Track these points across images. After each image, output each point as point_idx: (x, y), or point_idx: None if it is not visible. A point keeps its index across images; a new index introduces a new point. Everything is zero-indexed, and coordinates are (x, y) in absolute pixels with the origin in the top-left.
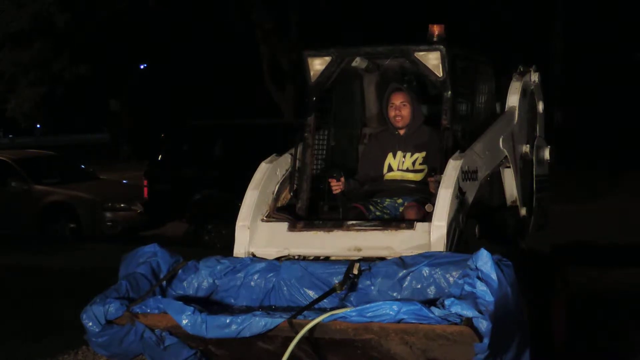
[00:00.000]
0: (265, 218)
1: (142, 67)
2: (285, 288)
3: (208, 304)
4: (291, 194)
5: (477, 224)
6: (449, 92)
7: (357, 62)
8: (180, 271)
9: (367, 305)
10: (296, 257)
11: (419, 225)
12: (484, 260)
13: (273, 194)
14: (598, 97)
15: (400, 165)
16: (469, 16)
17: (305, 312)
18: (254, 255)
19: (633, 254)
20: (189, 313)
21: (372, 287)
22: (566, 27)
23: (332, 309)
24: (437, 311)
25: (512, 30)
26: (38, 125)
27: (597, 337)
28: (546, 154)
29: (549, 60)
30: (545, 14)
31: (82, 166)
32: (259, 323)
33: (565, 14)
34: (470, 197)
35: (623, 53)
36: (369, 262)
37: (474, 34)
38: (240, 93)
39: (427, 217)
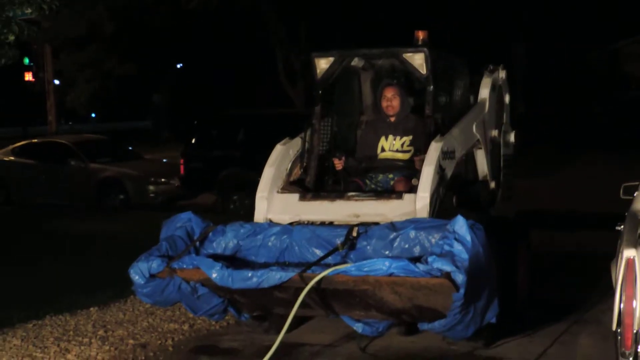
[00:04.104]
0: (280, 190)
1: (179, 66)
2: (296, 248)
3: (233, 261)
4: (301, 170)
5: (454, 195)
6: (431, 87)
7: (356, 62)
8: (210, 234)
9: (364, 262)
10: (306, 222)
11: (407, 196)
12: (460, 224)
13: (286, 170)
14: (554, 90)
15: (391, 147)
16: (448, 22)
17: (313, 267)
18: (271, 221)
19: (584, 219)
20: (218, 268)
21: (368, 247)
22: (528, 33)
23: (335, 264)
24: (421, 266)
25: (483, 35)
26: (93, 115)
27: (553, 289)
28: (512, 137)
29: (514, 61)
30: (511, 25)
31: (130, 148)
32: (275, 276)
33: (528, 24)
34: (448, 173)
35: (575, 53)
36: (366, 226)
37: (452, 37)
38: (252, 89)
39: (413, 190)
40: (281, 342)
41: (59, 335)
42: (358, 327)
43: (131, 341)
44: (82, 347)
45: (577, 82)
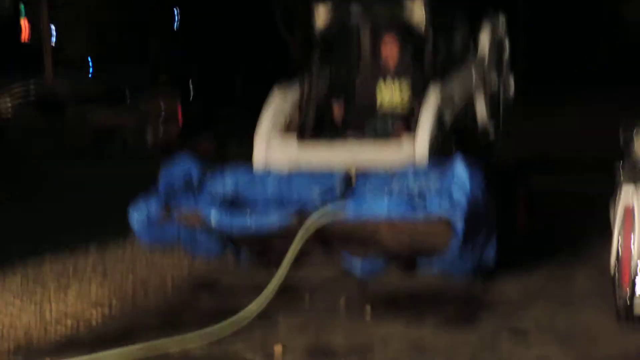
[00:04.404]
0: (278, 134)
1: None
2: (295, 192)
3: (232, 205)
4: (301, 115)
5: (453, 139)
6: (430, 34)
7: (355, 9)
8: (208, 178)
9: (364, 202)
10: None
11: (406, 141)
12: (459, 167)
13: (285, 115)
14: (553, 36)
15: (391, 96)
16: None
17: (311, 210)
18: (269, 165)
19: (585, 162)
20: (216, 211)
21: (367, 190)
22: None
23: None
24: (420, 210)
25: None
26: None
27: (553, 229)
28: (511, 82)
29: (514, 6)
30: None
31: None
32: (274, 220)
33: None
34: (448, 118)
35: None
36: (365, 171)
37: None
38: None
39: (412, 134)
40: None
41: (58, 272)
42: (357, 267)
43: (131, 277)
44: (82, 284)
45: (578, 26)
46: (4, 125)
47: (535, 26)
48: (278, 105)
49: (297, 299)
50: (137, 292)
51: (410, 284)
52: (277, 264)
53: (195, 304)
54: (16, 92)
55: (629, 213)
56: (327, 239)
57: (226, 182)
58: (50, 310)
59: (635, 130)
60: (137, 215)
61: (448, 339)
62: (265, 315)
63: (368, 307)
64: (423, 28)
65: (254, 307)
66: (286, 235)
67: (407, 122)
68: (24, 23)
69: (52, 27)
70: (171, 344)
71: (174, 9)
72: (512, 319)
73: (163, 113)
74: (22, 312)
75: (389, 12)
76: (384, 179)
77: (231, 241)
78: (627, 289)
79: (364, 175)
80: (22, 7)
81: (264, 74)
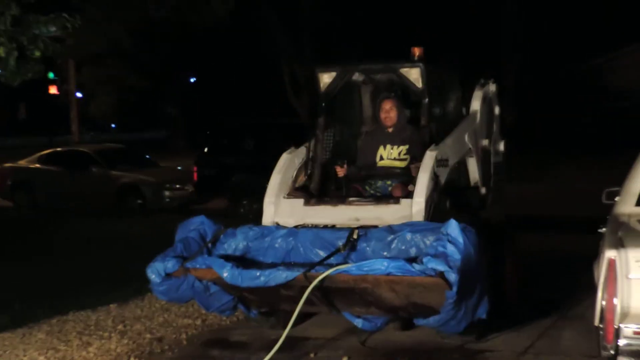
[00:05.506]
0: (286, 196)
1: (191, 81)
2: (301, 249)
3: (243, 261)
4: (306, 177)
5: (448, 200)
6: (426, 99)
7: (356, 76)
8: (221, 236)
9: (364, 262)
10: (310, 225)
11: (404, 201)
12: (453, 227)
13: (292, 177)
14: (540, 104)
15: (389, 155)
16: (443, 38)
17: (316, 267)
18: (277, 224)
19: (568, 223)
20: (229, 267)
21: (368, 248)
22: (517, 53)
23: (337, 264)
24: (417, 266)
25: (475, 50)
26: (113, 125)
27: (540, 287)
28: (501, 146)
29: (504, 75)
30: (501, 41)
31: (147, 156)
32: (282, 275)
33: (516, 43)
34: (442, 179)
35: (558, 70)
36: (365, 229)
37: (447, 52)
38: (259, 101)
39: (409, 195)
40: (287, 336)
41: (81, 329)
42: (358, 323)
43: (148, 335)
44: (103, 341)
45: (566, 93)
46: (32, 181)
47: (523, 92)
48: (286, 168)
49: (303, 355)
50: (154, 349)
51: (408, 340)
52: (284, 321)
53: (208, 357)
54: (45, 152)
55: (612, 267)
56: (330, 296)
57: (238, 240)
58: None
59: (616, 194)
60: (155, 272)
61: None
62: None
63: None
64: (420, 93)
65: None
66: (293, 290)
67: (405, 182)
68: (53, 88)
69: (79, 93)
70: None
71: (191, 79)
72: None
73: (180, 174)
74: None
75: (388, 79)
76: (384, 236)
77: (242, 297)
78: (612, 339)
79: (365, 233)
80: (50, 74)
81: (273, 140)
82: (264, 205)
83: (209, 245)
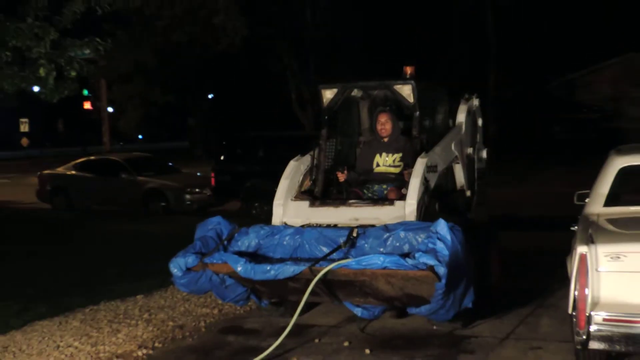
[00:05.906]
0: (293, 199)
1: (210, 96)
2: (307, 245)
3: (255, 257)
4: (311, 182)
5: (437, 202)
6: (417, 113)
7: (355, 92)
8: (236, 234)
9: (363, 257)
10: (314, 225)
11: (398, 203)
12: (442, 226)
13: (298, 182)
14: (520, 116)
15: (385, 162)
16: (431, 58)
17: (320, 262)
18: (286, 224)
19: (544, 222)
20: (242, 262)
21: (366, 245)
22: (498, 66)
23: (339, 260)
24: (410, 261)
25: (462, 67)
26: (140, 136)
27: (520, 279)
28: (484, 154)
29: (486, 90)
30: (483, 59)
31: (170, 163)
32: (289, 269)
33: (496, 59)
34: (432, 184)
35: (535, 85)
36: (364, 228)
37: (435, 71)
38: (269, 114)
39: (403, 198)
40: (294, 324)
41: (111, 318)
42: (358, 311)
43: (171, 323)
44: (130, 328)
45: (542, 106)
46: (68, 186)
47: (503, 105)
48: (293, 174)
49: (308, 341)
50: (176, 335)
51: (402, 327)
52: (292, 310)
53: (224, 343)
54: (79, 161)
55: (583, 261)
56: (332, 288)
57: (250, 238)
58: (104, 352)
59: (586, 196)
60: (176, 266)
61: None
62: (282, 355)
63: (367, 351)
64: (412, 107)
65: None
66: (299, 282)
67: (399, 186)
68: (87, 104)
69: (110, 108)
70: None
71: (209, 95)
72: (488, 358)
73: (199, 179)
74: (80, 352)
75: (383, 94)
76: (380, 234)
77: (254, 289)
78: (584, 326)
79: (364, 231)
80: (85, 91)
81: (281, 149)
82: (274, 207)
83: (225, 242)
